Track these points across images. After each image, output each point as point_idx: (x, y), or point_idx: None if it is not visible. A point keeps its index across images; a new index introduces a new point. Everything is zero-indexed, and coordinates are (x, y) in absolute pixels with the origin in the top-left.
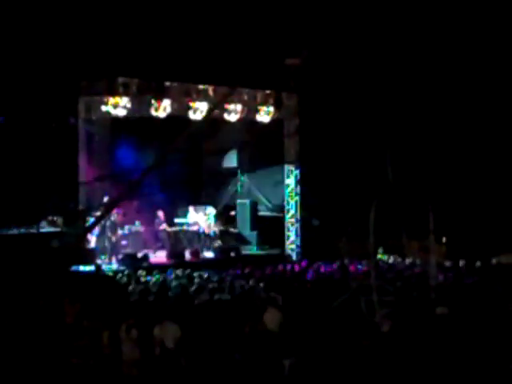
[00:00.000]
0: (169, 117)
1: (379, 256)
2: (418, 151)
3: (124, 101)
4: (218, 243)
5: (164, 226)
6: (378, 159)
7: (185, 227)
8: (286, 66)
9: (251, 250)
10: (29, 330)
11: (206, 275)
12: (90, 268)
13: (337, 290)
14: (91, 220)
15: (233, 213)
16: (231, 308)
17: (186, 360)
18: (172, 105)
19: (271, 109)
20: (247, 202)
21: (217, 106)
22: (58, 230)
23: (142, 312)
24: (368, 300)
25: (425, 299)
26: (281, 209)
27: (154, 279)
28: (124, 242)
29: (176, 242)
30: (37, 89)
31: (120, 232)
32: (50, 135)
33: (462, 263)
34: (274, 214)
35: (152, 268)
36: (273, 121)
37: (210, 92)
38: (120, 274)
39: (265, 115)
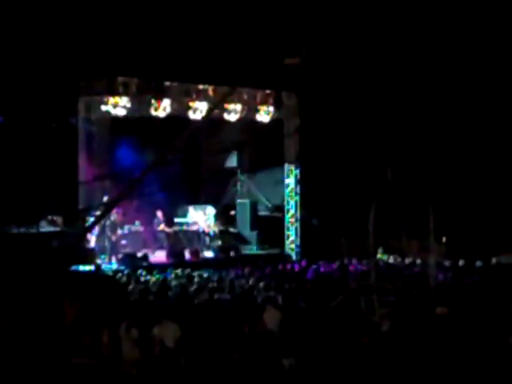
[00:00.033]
0: (168, 116)
1: (379, 256)
2: (418, 151)
3: (124, 100)
4: (217, 243)
5: (162, 227)
6: (377, 159)
7: (185, 227)
8: (285, 65)
9: (251, 249)
10: (29, 329)
11: (205, 275)
12: (90, 267)
13: (336, 290)
14: (91, 220)
15: (233, 212)
16: (231, 308)
17: (185, 359)
18: (172, 104)
19: (271, 108)
20: (247, 201)
21: (217, 105)
22: (57, 229)
23: (141, 312)
24: (368, 299)
25: (424, 299)
26: (281, 208)
27: (153, 279)
28: (124, 242)
29: (176, 242)
30: (37, 88)
31: (120, 232)
32: (49, 135)
33: (461, 263)
34: (274, 213)
35: (152, 268)
36: (272, 120)
37: (210, 92)
38: (120, 274)
39: (265, 115)
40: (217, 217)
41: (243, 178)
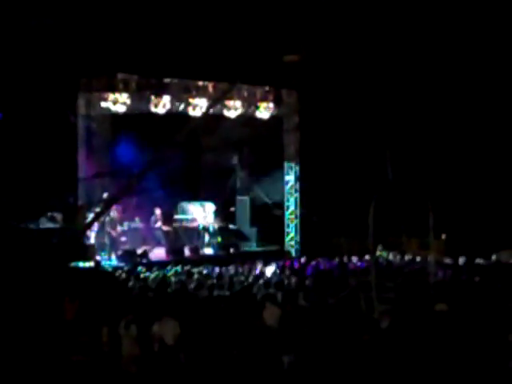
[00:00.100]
0: (168, 113)
1: (379, 253)
2: (418, 148)
3: (123, 97)
4: (217, 240)
5: (159, 224)
6: (377, 156)
7: (184, 223)
8: (285, 62)
9: (251, 246)
10: (29, 326)
11: (205, 271)
12: (90, 264)
13: (336, 287)
14: (91, 216)
15: (232, 209)
16: (230, 304)
17: (185, 356)
18: (171, 101)
19: (271, 105)
20: (247, 198)
21: (216, 102)
22: (57, 226)
23: (141, 308)
24: (367, 296)
25: (424, 296)
26: (280, 205)
27: (153, 275)
28: (123, 239)
29: (175, 239)
30: (36, 85)
31: (119, 228)
32: (49, 131)
33: (461, 260)
34: (274, 210)
35: (151, 264)
36: (272, 117)
37: (210, 88)
38: (119, 271)
39: (264, 111)
40: (216, 213)
41: (242, 174)
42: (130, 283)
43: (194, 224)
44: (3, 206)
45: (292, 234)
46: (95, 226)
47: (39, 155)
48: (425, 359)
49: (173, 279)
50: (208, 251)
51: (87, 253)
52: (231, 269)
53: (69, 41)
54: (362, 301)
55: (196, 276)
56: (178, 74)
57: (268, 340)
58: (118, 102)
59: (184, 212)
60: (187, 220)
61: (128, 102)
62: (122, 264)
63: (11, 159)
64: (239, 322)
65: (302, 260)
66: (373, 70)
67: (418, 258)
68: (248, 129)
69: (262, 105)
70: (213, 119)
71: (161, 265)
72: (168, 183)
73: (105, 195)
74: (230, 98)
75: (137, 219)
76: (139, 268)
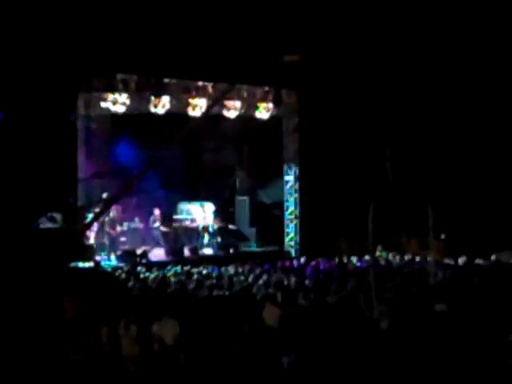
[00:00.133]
0: (168, 113)
1: (378, 253)
2: (417, 148)
3: (123, 97)
4: (216, 240)
5: (157, 225)
6: (377, 156)
7: (184, 223)
8: (284, 62)
9: (250, 246)
10: (28, 326)
11: (204, 272)
12: (89, 264)
13: (336, 287)
14: (90, 216)
15: (232, 209)
16: (230, 305)
17: (184, 356)
18: (171, 101)
19: (270, 105)
20: (246, 198)
21: (216, 102)
22: (57, 226)
23: (140, 308)
24: (367, 297)
25: (424, 296)
26: (280, 206)
27: (153, 276)
28: (123, 239)
29: (175, 239)
30: (36, 85)
31: (119, 228)
32: (48, 131)
33: (461, 260)
34: (274, 210)
35: (151, 265)
36: (272, 118)
37: (209, 89)
38: (119, 271)
39: (264, 112)
40: (216, 214)
41: (242, 175)
42: (130, 283)
43: (194, 224)
44: (3, 207)
45: (292, 234)
46: (95, 226)
47: (39, 155)
48: (425, 360)
49: (172, 279)
50: (207, 251)
51: (87, 253)
52: (231, 269)
53: (68, 41)
54: (362, 301)
55: (195, 276)
56: (178, 75)
57: (268, 340)
58: (117, 102)
59: (183, 212)
60: (187, 220)
61: (127, 102)
62: (121, 264)
63: (11, 159)
64: (239, 322)
65: (302, 260)
66: (372, 70)
67: (418, 259)
68: (248, 129)
69: (262, 105)
70: (212, 119)
71: (160, 265)
72: (167, 183)
73: (104, 195)
74: (230, 99)
75: (136, 219)
76: (139, 268)
